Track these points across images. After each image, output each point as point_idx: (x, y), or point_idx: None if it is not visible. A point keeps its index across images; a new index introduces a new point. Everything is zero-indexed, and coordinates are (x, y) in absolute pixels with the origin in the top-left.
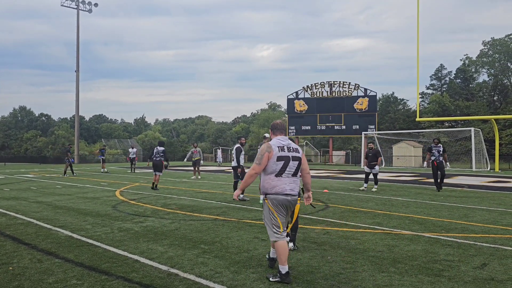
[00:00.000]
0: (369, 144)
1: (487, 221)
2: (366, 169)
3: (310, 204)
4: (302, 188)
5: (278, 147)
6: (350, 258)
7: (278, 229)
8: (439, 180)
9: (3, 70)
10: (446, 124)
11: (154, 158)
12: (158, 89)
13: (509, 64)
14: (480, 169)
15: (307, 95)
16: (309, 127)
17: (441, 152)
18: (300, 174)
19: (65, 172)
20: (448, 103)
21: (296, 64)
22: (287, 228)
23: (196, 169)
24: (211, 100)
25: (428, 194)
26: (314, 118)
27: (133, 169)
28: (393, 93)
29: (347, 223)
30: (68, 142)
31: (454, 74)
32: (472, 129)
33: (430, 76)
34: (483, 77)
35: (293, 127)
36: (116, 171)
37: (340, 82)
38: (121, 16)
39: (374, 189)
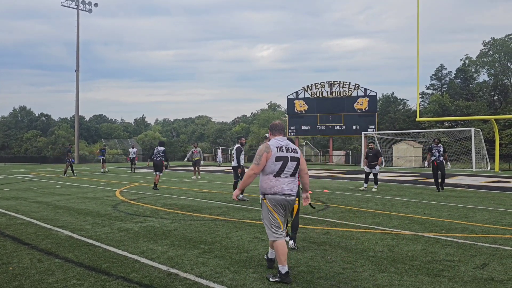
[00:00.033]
0: (369, 144)
1: (487, 221)
2: (366, 169)
3: (309, 204)
4: (301, 188)
5: (277, 147)
6: (350, 258)
7: (277, 229)
8: (440, 181)
9: (3, 70)
10: (446, 124)
11: (155, 158)
12: (158, 89)
13: (509, 64)
14: (480, 169)
15: (307, 95)
16: (309, 127)
17: (441, 152)
18: (298, 174)
19: (65, 172)
20: (448, 103)
21: (296, 64)
22: (286, 227)
23: (196, 169)
24: (211, 100)
25: (428, 194)
26: (314, 118)
27: (133, 169)
28: (393, 93)
29: (347, 223)
30: (68, 142)
31: (454, 74)
32: (472, 129)
33: (430, 76)
34: (483, 77)
35: (293, 127)
36: (116, 171)
37: (340, 82)
38: (121, 16)
39: (374, 189)
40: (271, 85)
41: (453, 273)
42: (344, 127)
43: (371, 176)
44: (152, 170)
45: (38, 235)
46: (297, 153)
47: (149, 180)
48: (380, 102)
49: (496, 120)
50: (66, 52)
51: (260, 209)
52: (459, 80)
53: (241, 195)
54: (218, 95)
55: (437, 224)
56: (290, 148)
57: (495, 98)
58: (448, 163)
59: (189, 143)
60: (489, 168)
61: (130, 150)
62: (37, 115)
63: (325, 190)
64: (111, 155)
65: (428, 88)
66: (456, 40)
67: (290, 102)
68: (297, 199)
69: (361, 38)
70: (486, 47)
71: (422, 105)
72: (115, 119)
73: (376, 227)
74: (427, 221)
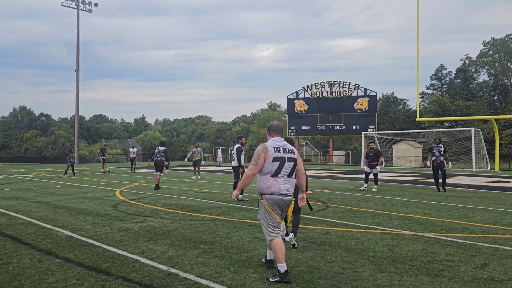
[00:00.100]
0: (370, 144)
1: (487, 221)
2: (367, 169)
3: (308, 204)
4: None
5: (274, 148)
6: (350, 258)
7: (274, 229)
8: (441, 181)
9: (3, 70)
10: (446, 124)
11: (155, 158)
12: (158, 89)
13: (509, 64)
14: (480, 169)
15: (307, 95)
16: (309, 127)
17: (441, 152)
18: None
19: (65, 172)
20: (448, 103)
21: (296, 64)
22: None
23: (197, 169)
24: (211, 100)
25: (428, 194)
26: (314, 118)
27: (133, 169)
28: (393, 93)
29: (347, 223)
30: (68, 142)
31: (454, 74)
32: (472, 129)
33: (430, 76)
34: (483, 77)
35: (293, 127)
36: (116, 171)
37: (340, 82)
38: (121, 16)
39: (374, 189)
40: (271, 85)
41: (453, 273)
42: (344, 127)
43: (371, 176)
44: (152, 170)
45: (38, 235)
46: (294, 153)
47: (149, 180)
48: (380, 102)
49: (496, 120)
50: (66, 52)
51: None
52: (459, 80)
53: (240, 195)
54: (218, 95)
55: (437, 224)
56: (287, 149)
57: (495, 98)
58: (450, 163)
59: (189, 143)
60: (489, 168)
61: (131, 150)
62: (37, 115)
63: (325, 190)
64: (111, 155)
65: (428, 88)
66: (456, 40)
67: (290, 102)
68: (293, 199)
69: (361, 38)
70: (486, 47)
71: (422, 105)
72: (115, 119)
73: (376, 227)
74: (427, 221)
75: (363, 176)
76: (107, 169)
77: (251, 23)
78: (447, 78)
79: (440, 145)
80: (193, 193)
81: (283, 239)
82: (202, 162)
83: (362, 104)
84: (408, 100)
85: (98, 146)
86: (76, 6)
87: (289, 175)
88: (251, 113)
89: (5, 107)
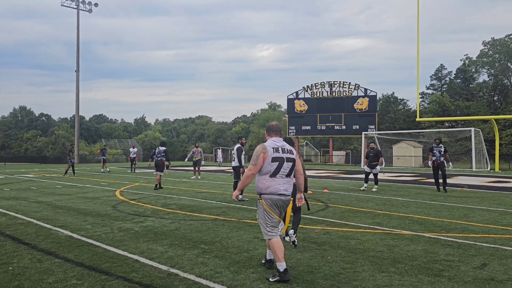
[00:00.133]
0: (370, 144)
1: (487, 221)
2: (367, 169)
3: (306, 203)
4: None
5: (273, 148)
6: (350, 258)
7: (272, 228)
8: (441, 181)
9: (3, 70)
10: (446, 124)
11: (156, 158)
12: (158, 89)
13: (509, 64)
14: (480, 169)
15: (307, 95)
16: (309, 127)
17: (442, 153)
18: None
19: (66, 172)
20: (448, 103)
21: (296, 64)
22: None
23: (197, 169)
24: (211, 100)
25: (428, 194)
26: (314, 118)
27: (133, 169)
28: (393, 93)
29: (347, 223)
30: (68, 142)
31: (454, 74)
32: (472, 129)
33: (430, 76)
34: (483, 77)
35: (293, 127)
36: (116, 171)
37: (340, 82)
38: (121, 16)
39: (374, 189)
40: (271, 85)
41: (453, 273)
42: (344, 127)
43: (371, 176)
44: (152, 170)
45: (38, 235)
46: (292, 154)
47: (149, 180)
48: (380, 102)
49: (496, 120)
50: (66, 52)
51: None
52: (459, 80)
53: (240, 196)
54: (218, 95)
55: (437, 224)
56: (286, 149)
57: (495, 98)
58: (450, 163)
59: (189, 143)
60: (489, 168)
61: (131, 150)
62: (37, 115)
63: (325, 190)
64: (111, 155)
65: (428, 88)
66: (456, 40)
67: (290, 102)
68: (291, 199)
69: (361, 38)
70: (486, 47)
71: (422, 105)
72: (115, 119)
73: (376, 227)
74: (427, 221)
75: (363, 176)
76: (107, 169)
77: (251, 23)
78: (447, 78)
79: (441, 145)
80: (193, 193)
81: (283, 238)
82: (202, 162)
83: (362, 104)
84: (408, 100)
85: (98, 146)
86: (76, 6)
87: (288, 175)
88: (251, 113)
89: (5, 107)
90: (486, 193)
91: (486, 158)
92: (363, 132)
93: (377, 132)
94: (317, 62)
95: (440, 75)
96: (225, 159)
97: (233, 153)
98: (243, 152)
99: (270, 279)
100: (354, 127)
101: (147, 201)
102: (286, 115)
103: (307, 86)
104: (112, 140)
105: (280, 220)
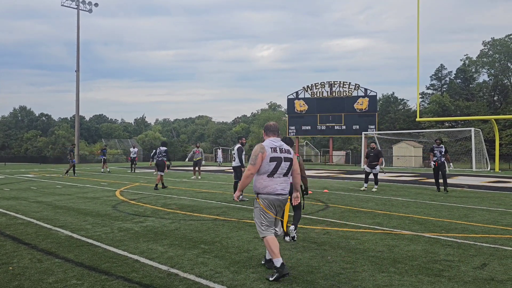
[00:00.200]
0: (371, 144)
1: (487, 221)
2: (367, 169)
3: (302, 200)
4: (300, 185)
5: (271, 148)
6: (350, 258)
7: (267, 227)
8: (442, 182)
9: (3, 70)
10: (446, 124)
11: (157, 158)
12: (158, 89)
13: (509, 64)
14: (480, 169)
15: (307, 95)
16: (309, 127)
17: (442, 153)
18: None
19: (67, 172)
20: (448, 103)
21: (296, 64)
22: (282, 226)
23: (197, 169)
24: (211, 100)
25: (428, 194)
26: (314, 118)
27: (133, 169)
28: (393, 93)
29: (347, 223)
30: (68, 142)
31: (454, 74)
32: (472, 129)
33: (430, 76)
34: (483, 77)
35: (293, 127)
36: (116, 171)
37: (340, 82)
38: (121, 16)
39: (374, 189)
40: (271, 85)
41: (453, 273)
42: (344, 127)
43: (371, 176)
44: (152, 170)
45: (38, 235)
46: (290, 153)
47: (149, 180)
48: (380, 102)
49: (496, 120)
50: (66, 52)
51: None
52: (459, 80)
53: (241, 196)
54: (218, 95)
55: (437, 224)
56: (283, 149)
57: (495, 98)
58: (451, 163)
59: (189, 143)
60: (489, 168)
61: (131, 149)
62: (37, 115)
63: (325, 190)
64: (111, 155)
65: (428, 88)
66: (456, 40)
67: (290, 102)
68: (289, 197)
69: (361, 38)
70: (486, 47)
71: (422, 105)
72: (115, 119)
73: (376, 227)
74: (427, 221)
75: (363, 176)
76: (108, 169)
77: (251, 23)
78: (447, 78)
79: (441, 145)
80: (193, 193)
81: (283, 239)
82: (203, 162)
83: (362, 104)
84: (408, 100)
85: (98, 146)
86: (76, 6)
87: (285, 175)
88: (251, 113)
89: (5, 107)
90: (486, 193)
91: (486, 158)
92: (363, 132)
93: (377, 132)
94: (317, 62)
95: (440, 75)
96: (225, 159)
97: (233, 153)
98: (244, 152)
99: (270, 279)
100: (354, 127)
101: (147, 201)
102: (286, 115)
103: (307, 86)
104: (112, 140)
105: (276, 218)
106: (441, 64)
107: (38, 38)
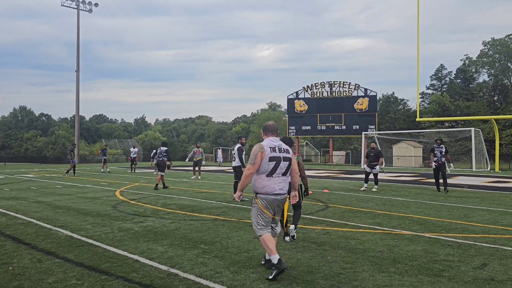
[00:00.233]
0: (371, 144)
1: (487, 221)
2: (367, 169)
3: (300, 198)
4: (300, 185)
5: (270, 147)
6: (350, 258)
7: (263, 227)
8: (442, 182)
9: (3, 70)
10: (446, 124)
11: (158, 158)
12: (158, 89)
13: (509, 64)
14: (480, 169)
15: (307, 95)
16: (309, 127)
17: (443, 153)
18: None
19: (67, 172)
20: (448, 103)
21: (296, 64)
22: (282, 226)
23: (197, 169)
24: (211, 100)
25: (428, 194)
26: (314, 118)
27: (133, 169)
28: (393, 93)
29: (347, 223)
30: (68, 142)
31: (454, 74)
32: (472, 129)
33: (430, 76)
34: (483, 77)
35: (293, 127)
36: (116, 171)
37: (340, 82)
38: (121, 16)
39: (374, 189)
40: (271, 85)
41: (453, 273)
42: (344, 127)
43: (371, 176)
44: (152, 170)
45: (38, 235)
46: (289, 153)
47: (149, 180)
48: (380, 102)
49: (496, 120)
50: (66, 52)
51: None
52: (459, 80)
53: (241, 196)
54: (218, 95)
55: (437, 224)
56: (282, 149)
57: (495, 98)
58: (451, 164)
59: (189, 143)
60: (489, 168)
61: (131, 149)
62: (37, 115)
63: (325, 190)
64: (111, 155)
65: (428, 88)
66: (456, 40)
67: (290, 102)
68: (287, 196)
69: (361, 38)
70: (486, 47)
71: (422, 105)
72: (115, 119)
73: (376, 227)
74: (427, 221)
75: (363, 176)
76: (108, 170)
77: (251, 23)
78: (447, 78)
79: (442, 145)
80: (193, 193)
81: (283, 238)
82: (203, 162)
83: (362, 104)
84: (408, 100)
85: (98, 146)
86: (76, 6)
87: (284, 174)
88: (251, 113)
89: (5, 107)
90: (486, 193)
91: (486, 158)
92: (363, 132)
93: (377, 132)
94: (317, 62)
95: (440, 75)
96: (225, 159)
97: (234, 153)
98: (244, 152)
99: (269, 277)
100: (354, 127)
101: (147, 201)
102: (286, 115)
103: (307, 86)
104: (112, 140)
105: (274, 217)
106: (441, 64)
107: (38, 38)
